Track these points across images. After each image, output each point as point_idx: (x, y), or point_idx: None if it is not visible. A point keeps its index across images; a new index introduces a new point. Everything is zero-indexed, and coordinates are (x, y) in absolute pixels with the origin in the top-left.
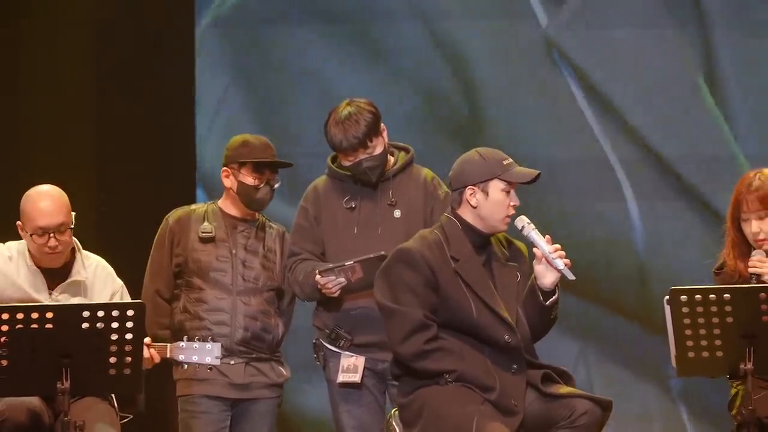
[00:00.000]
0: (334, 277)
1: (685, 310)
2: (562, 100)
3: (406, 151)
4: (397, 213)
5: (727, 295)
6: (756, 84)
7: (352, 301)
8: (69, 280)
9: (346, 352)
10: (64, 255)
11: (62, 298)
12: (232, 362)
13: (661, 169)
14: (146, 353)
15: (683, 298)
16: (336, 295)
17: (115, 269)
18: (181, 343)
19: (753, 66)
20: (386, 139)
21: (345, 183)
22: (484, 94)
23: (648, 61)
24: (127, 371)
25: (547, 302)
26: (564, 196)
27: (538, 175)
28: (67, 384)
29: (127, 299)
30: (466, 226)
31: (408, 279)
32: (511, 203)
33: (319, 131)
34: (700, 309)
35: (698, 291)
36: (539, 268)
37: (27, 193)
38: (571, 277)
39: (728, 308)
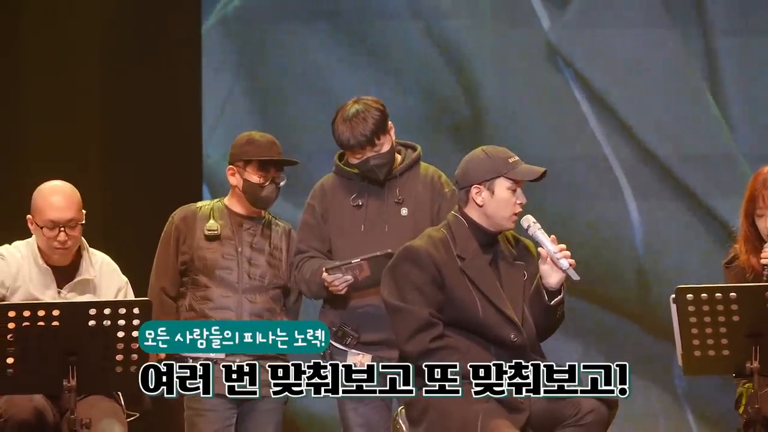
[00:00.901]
0: (341, 275)
1: (691, 308)
2: (563, 100)
3: (414, 149)
4: (404, 211)
5: (733, 294)
6: (756, 85)
7: (358, 299)
8: (77, 279)
9: (353, 350)
10: (72, 252)
11: (71, 296)
12: (238, 360)
13: (661, 170)
14: None
15: (689, 296)
16: (343, 292)
17: (121, 267)
18: None
19: (753, 68)
20: (394, 137)
21: (352, 181)
22: (484, 95)
23: (649, 62)
24: (134, 369)
25: (552, 302)
26: (564, 196)
27: (544, 172)
28: (73, 382)
29: (131, 295)
30: (473, 225)
31: (414, 277)
32: (518, 201)
33: (322, 130)
34: (706, 308)
35: (704, 290)
36: (544, 268)
37: (39, 187)
38: (575, 277)
39: (734, 307)
